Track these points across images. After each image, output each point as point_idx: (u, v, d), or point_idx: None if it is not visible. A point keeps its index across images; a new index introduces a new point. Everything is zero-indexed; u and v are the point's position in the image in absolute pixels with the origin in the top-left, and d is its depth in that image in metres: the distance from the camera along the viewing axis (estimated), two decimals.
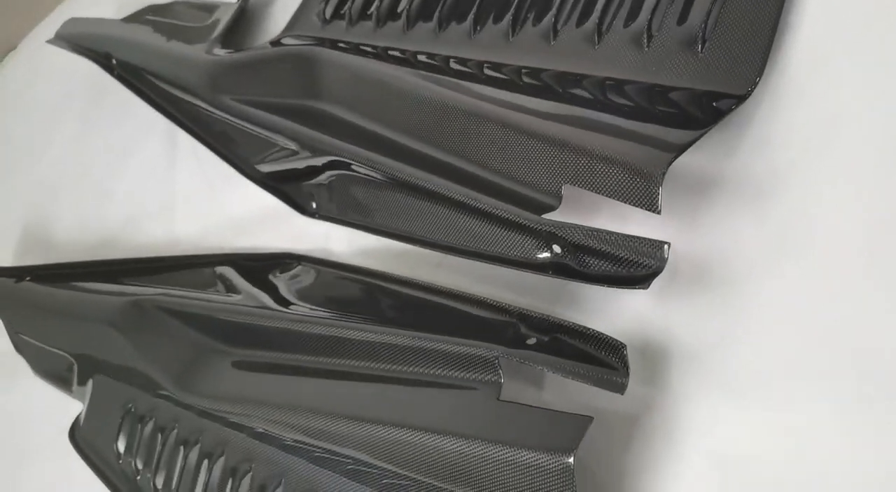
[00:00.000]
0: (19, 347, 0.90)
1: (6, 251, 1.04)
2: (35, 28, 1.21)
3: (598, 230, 0.45)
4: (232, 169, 0.79)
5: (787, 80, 0.49)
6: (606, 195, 0.45)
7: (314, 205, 0.71)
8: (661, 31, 0.50)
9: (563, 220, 0.47)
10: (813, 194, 0.46)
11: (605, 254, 0.44)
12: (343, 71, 0.66)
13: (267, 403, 0.62)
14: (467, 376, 0.48)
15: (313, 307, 0.62)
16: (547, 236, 0.48)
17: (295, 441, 0.60)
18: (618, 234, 0.44)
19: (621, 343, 0.43)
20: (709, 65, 0.47)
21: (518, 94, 0.56)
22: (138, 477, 0.72)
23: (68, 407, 0.83)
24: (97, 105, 1.02)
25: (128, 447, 0.74)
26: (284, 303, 0.66)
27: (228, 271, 0.73)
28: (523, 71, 0.57)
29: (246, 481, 0.63)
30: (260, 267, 0.72)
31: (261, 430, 0.63)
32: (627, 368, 0.42)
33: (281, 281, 0.68)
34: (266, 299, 0.66)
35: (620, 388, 0.42)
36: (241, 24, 0.85)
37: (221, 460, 0.65)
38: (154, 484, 0.70)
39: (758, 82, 0.47)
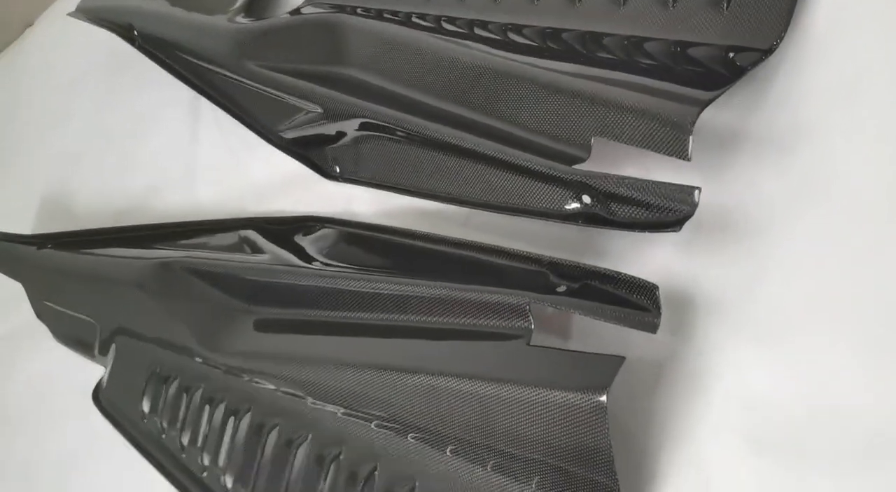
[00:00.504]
0: (41, 313, 0.91)
1: (27, 221, 1.05)
2: (52, 4, 1.22)
3: (629, 178, 0.46)
4: (254, 137, 0.80)
5: (810, 38, 0.50)
6: (637, 145, 0.46)
7: (338, 169, 0.72)
8: None
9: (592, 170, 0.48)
10: (834, 147, 0.48)
11: (636, 201, 0.46)
12: (367, 36, 0.68)
13: (296, 359, 0.63)
14: (498, 323, 0.49)
15: (341, 265, 0.63)
16: (577, 187, 0.49)
17: (323, 395, 0.61)
18: (649, 181, 0.45)
19: (653, 284, 0.44)
20: (734, 20, 0.49)
21: (544, 57, 0.57)
22: (163, 435, 0.73)
23: (89, 372, 0.85)
24: (117, 76, 1.03)
25: (153, 407, 0.76)
26: (311, 262, 0.67)
27: (252, 235, 0.74)
28: (548, 32, 0.58)
29: (273, 436, 0.64)
30: (284, 230, 0.73)
31: (288, 386, 0.64)
32: (659, 308, 0.44)
33: (306, 242, 0.70)
34: (293, 259, 0.67)
35: (653, 327, 0.44)
36: None
37: (248, 416, 0.67)
38: (180, 441, 0.71)
39: (783, 37, 0.48)
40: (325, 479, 0.59)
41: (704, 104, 0.45)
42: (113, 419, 0.78)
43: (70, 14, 1.00)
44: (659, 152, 0.45)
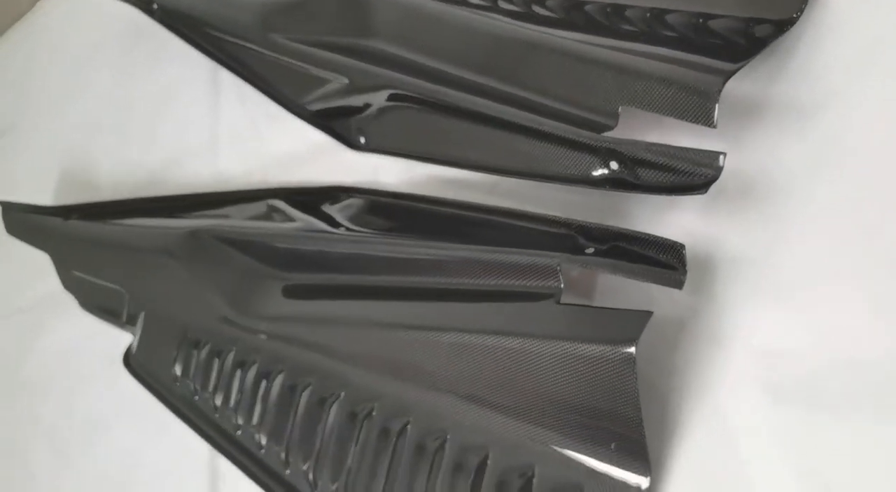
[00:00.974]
0: (68, 283, 0.94)
1: (47, 193, 1.07)
2: None
3: (656, 144, 0.49)
4: (277, 108, 0.82)
5: (829, 9, 0.53)
6: (664, 113, 0.48)
7: (363, 139, 0.74)
8: None
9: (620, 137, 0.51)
10: (853, 115, 0.50)
11: (663, 166, 0.48)
12: (394, 7, 0.69)
13: (327, 321, 0.66)
14: (529, 284, 0.52)
15: (371, 231, 0.66)
16: (605, 153, 0.51)
17: (354, 355, 0.64)
18: (675, 146, 0.48)
19: (680, 243, 0.47)
20: None
21: (567, 29, 0.59)
22: (196, 397, 0.76)
23: (115, 339, 0.87)
24: (134, 49, 1.04)
25: (184, 371, 0.78)
26: (340, 230, 0.69)
27: (280, 204, 0.76)
28: (571, 4, 0.60)
29: (305, 395, 0.67)
30: (311, 199, 0.75)
31: (319, 347, 0.67)
32: (685, 266, 0.47)
33: (334, 211, 0.72)
34: (322, 227, 0.69)
35: (679, 284, 0.46)
36: None
37: (280, 377, 0.69)
38: (213, 403, 0.74)
39: (803, 9, 0.50)
40: (359, 434, 0.62)
41: (729, 74, 0.47)
42: (145, 382, 0.81)
43: None
44: (685, 120, 0.48)
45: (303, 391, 0.67)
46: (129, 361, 0.84)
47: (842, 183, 0.50)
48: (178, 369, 0.78)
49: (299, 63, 0.75)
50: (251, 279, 0.72)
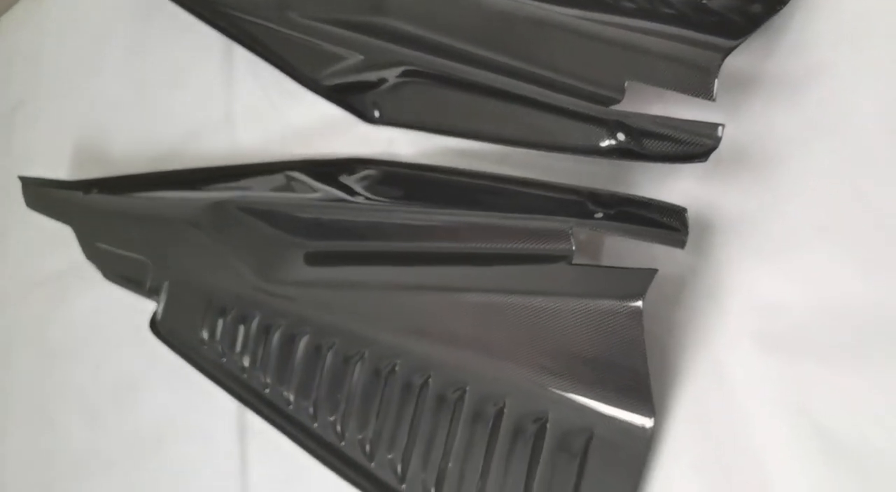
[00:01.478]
0: (91, 254, 0.97)
1: (62, 168, 1.09)
2: None
3: (660, 117, 0.53)
4: (291, 83, 0.85)
5: None
6: (667, 88, 0.53)
7: (377, 113, 0.77)
8: None
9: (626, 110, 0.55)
10: (843, 87, 0.55)
11: (667, 136, 0.52)
12: None
13: (351, 286, 0.71)
14: (543, 246, 0.57)
15: (388, 200, 0.70)
16: (613, 125, 0.56)
17: (377, 316, 0.68)
18: (677, 119, 0.52)
19: (682, 207, 0.52)
20: None
21: (573, 6, 0.63)
22: (223, 359, 0.81)
23: (140, 306, 0.91)
24: (146, 25, 1.05)
25: (211, 335, 0.82)
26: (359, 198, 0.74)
27: (299, 175, 0.80)
28: None
29: (331, 355, 0.72)
30: (329, 171, 0.79)
31: (343, 310, 0.71)
32: (687, 227, 0.51)
33: (352, 181, 0.76)
34: (342, 196, 0.73)
35: (682, 244, 0.51)
36: None
37: (306, 338, 0.74)
38: (241, 363, 0.79)
39: None
40: (383, 389, 0.67)
41: (728, 50, 0.51)
42: (172, 346, 0.85)
43: None
44: (686, 94, 0.52)
45: (328, 351, 0.72)
46: (156, 326, 0.87)
47: (831, 150, 0.55)
48: (204, 334, 0.82)
49: (314, 40, 0.78)
50: (275, 248, 0.76)
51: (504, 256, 0.59)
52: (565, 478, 0.56)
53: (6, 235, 1.12)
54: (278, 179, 0.82)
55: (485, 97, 0.65)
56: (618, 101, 0.56)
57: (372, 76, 0.75)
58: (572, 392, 0.57)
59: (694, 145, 0.51)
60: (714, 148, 0.51)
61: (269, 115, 0.89)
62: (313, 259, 0.74)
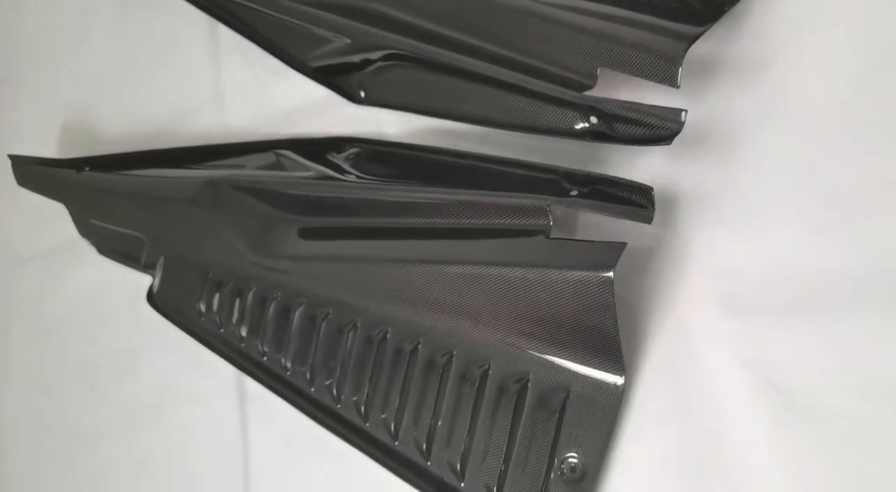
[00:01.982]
0: (86, 232, 0.98)
1: (51, 147, 1.10)
2: None
3: (629, 102, 0.58)
4: (279, 63, 0.88)
5: None
6: (636, 75, 0.57)
7: (363, 93, 0.81)
8: None
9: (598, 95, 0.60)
10: (797, 67, 0.60)
11: (635, 121, 0.57)
12: None
13: (342, 259, 0.75)
14: (522, 222, 0.62)
15: (376, 178, 0.74)
16: (586, 109, 0.60)
17: (368, 287, 0.73)
18: (645, 104, 0.57)
19: (649, 186, 0.57)
20: None
21: None
22: (221, 329, 0.84)
23: (136, 281, 0.93)
24: (130, 3, 1.06)
25: (208, 307, 0.85)
26: (347, 177, 0.78)
27: (290, 154, 0.83)
28: None
29: (325, 324, 0.76)
30: (318, 150, 0.82)
31: (336, 281, 0.75)
32: (654, 204, 0.56)
33: (340, 159, 0.79)
34: (331, 174, 0.77)
35: (649, 219, 0.56)
36: None
37: (301, 309, 0.78)
38: (239, 333, 0.83)
39: None
40: (376, 355, 0.72)
41: (692, 40, 0.56)
42: (170, 317, 0.88)
43: None
44: (653, 81, 0.57)
45: (322, 321, 0.76)
46: (153, 299, 0.90)
47: (786, 129, 0.60)
48: (202, 306, 0.85)
49: (302, 23, 0.81)
50: (269, 224, 0.80)
51: (486, 230, 0.64)
52: (545, 431, 0.62)
53: None
54: (268, 157, 0.85)
55: (466, 81, 0.69)
56: (591, 87, 0.60)
57: (358, 58, 0.78)
58: (550, 354, 0.62)
59: (659, 129, 0.56)
60: (678, 132, 0.56)
61: (257, 94, 0.91)
62: (306, 234, 0.77)
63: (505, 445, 0.63)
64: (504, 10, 0.66)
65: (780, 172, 0.60)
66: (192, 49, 0.99)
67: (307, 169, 0.81)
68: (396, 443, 0.69)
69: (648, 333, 0.61)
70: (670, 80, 0.55)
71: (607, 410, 0.59)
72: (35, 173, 1.01)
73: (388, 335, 0.71)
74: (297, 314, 0.78)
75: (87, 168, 0.97)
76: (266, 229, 0.80)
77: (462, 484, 0.65)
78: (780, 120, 0.61)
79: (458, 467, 0.65)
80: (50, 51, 1.16)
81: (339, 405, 0.74)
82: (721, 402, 0.58)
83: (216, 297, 0.84)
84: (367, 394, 0.71)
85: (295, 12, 0.81)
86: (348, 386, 0.73)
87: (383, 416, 0.70)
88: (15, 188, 1.04)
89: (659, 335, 0.61)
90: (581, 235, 0.65)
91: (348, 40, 0.78)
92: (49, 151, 1.10)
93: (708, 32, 0.59)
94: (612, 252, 0.55)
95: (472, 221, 0.65)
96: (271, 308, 0.79)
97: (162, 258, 0.91)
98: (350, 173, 0.77)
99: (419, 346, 0.69)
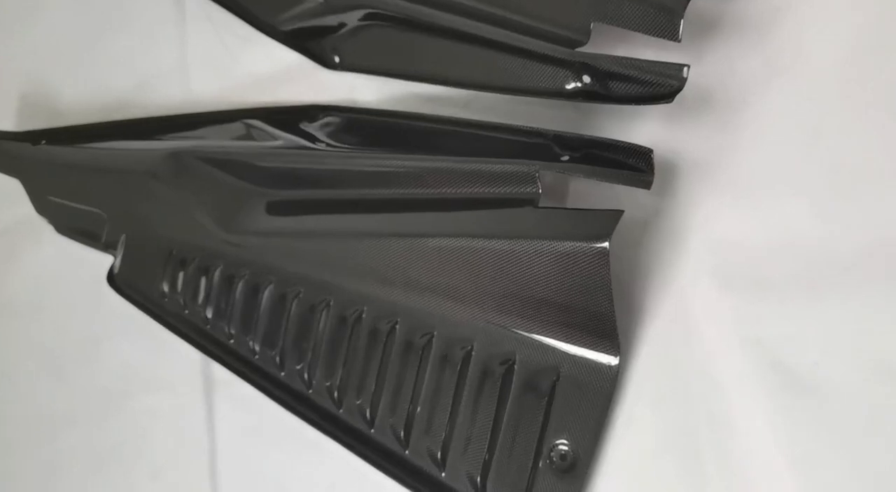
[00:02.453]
0: (43, 209, 0.93)
1: (8, 120, 1.04)
2: None
3: (625, 58, 0.53)
4: (247, 27, 0.82)
5: None
6: (633, 29, 0.53)
7: (337, 58, 0.76)
8: None
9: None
10: (802, 26, 0.56)
11: (633, 78, 0.53)
12: None
13: (315, 234, 0.70)
14: (508, 190, 0.57)
15: (351, 147, 0.69)
16: (578, 67, 0.56)
17: (342, 264, 0.68)
18: (643, 60, 0.52)
19: (648, 148, 0.52)
20: None
21: None
22: (186, 311, 0.79)
23: (99, 261, 0.88)
24: None
25: (172, 287, 0.80)
26: (321, 146, 0.72)
27: (259, 123, 0.78)
28: None
29: (296, 304, 0.71)
30: (289, 119, 0.77)
31: (307, 258, 0.71)
32: (653, 168, 0.52)
33: (313, 128, 0.74)
34: (303, 143, 0.72)
35: (648, 184, 0.52)
36: None
37: (270, 288, 0.73)
38: (204, 315, 0.78)
39: None
40: (350, 336, 0.67)
41: None
42: (132, 299, 0.83)
43: None
44: (652, 35, 0.52)
45: (293, 300, 0.71)
46: (114, 279, 0.85)
47: (790, 91, 0.56)
48: (165, 287, 0.80)
49: None
50: (236, 197, 0.75)
51: (468, 201, 0.59)
52: (533, 417, 0.57)
53: None
54: (237, 127, 0.80)
55: (449, 40, 0.64)
56: (583, 43, 0.55)
57: (331, 20, 0.73)
58: (539, 333, 0.58)
59: (660, 86, 0.52)
60: (680, 88, 0.51)
61: (224, 62, 0.86)
62: (275, 208, 0.72)
63: (489, 432, 0.59)
64: None
65: (784, 139, 0.56)
66: (155, 14, 0.93)
67: (278, 139, 0.76)
68: (372, 430, 0.65)
69: (644, 310, 0.57)
70: (671, 33, 0.50)
71: (600, 392, 0.55)
72: None
73: (364, 315, 0.67)
74: (267, 293, 0.73)
75: (44, 141, 0.92)
76: (233, 203, 0.75)
77: (443, 474, 0.61)
78: (784, 82, 0.57)
79: (439, 455, 0.61)
80: (3, 19, 1.10)
81: (310, 390, 0.69)
82: (721, 383, 0.54)
83: (180, 276, 0.80)
84: (341, 378, 0.67)
85: None
86: (320, 370, 0.68)
87: (358, 402, 0.66)
88: None
89: (655, 313, 0.57)
90: (572, 205, 0.61)
91: (321, 0, 0.72)
92: (5, 123, 1.04)
93: None
94: (607, 221, 0.51)
95: (453, 191, 0.60)
96: (239, 287, 0.75)
97: (123, 236, 0.86)
98: (323, 143, 0.71)
99: (396, 326, 0.65)
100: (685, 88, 0.53)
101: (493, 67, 0.61)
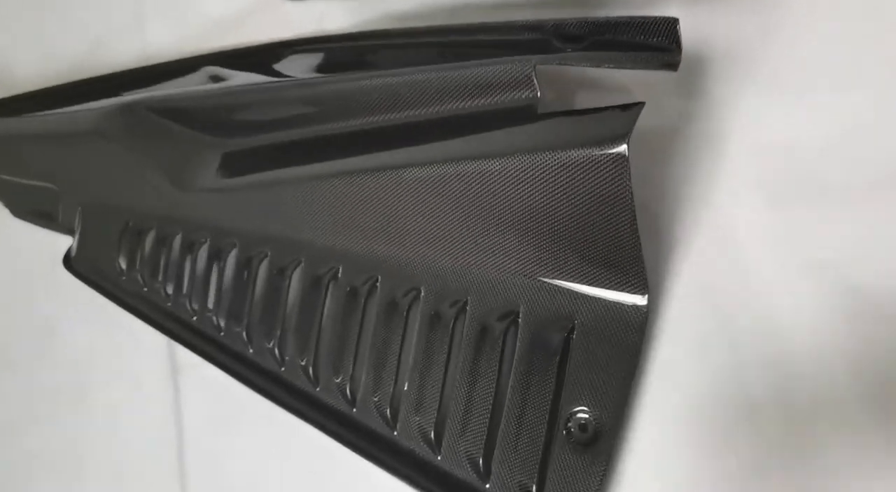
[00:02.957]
0: None
1: None
2: None
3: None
4: None
5: None
6: None
7: None
8: None
9: None
10: None
11: None
12: None
13: (279, 183, 0.60)
14: (500, 98, 0.46)
15: (320, 75, 0.58)
16: None
17: (312, 215, 0.58)
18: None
19: (672, 18, 0.41)
20: None
21: None
22: (145, 289, 0.70)
23: (55, 244, 0.80)
24: None
25: (130, 263, 0.72)
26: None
27: (219, 70, 0.69)
28: None
29: (263, 267, 0.62)
30: (254, 61, 0.67)
31: (273, 214, 0.60)
32: (680, 43, 0.40)
33: (280, 68, 0.65)
34: (265, 79, 0.62)
35: (674, 65, 0.41)
36: None
37: (234, 252, 0.64)
38: (165, 292, 0.68)
39: None
40: (325, 300, 0.57)
41: None
42: (89, 281, 0.74)
43: None
44: None
45: (259, 263, 0.62)
46: (70, 262, 0.76)
47: None
48: (122, 263, 0.72)
49: None
50: (191, 150, 0.65)
51: (452, 118, 0.49)
52: (543, 381, 0.46)
53: None
54: (196, 77, 0.71)
55: None
56: None
57: None
58: (545, 275, 0.46)
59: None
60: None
61: (182, 7, 0.78)
62: (234, 158, 0.63)
63: (491, 404, 0.48)
64: None
65: (842, 17, 0.45)
66: None
67: (239, 80, 0.65)
68: (355, 410, 0.54)
69: (676, 238, 0.46)
70: None
71: (626, 343, 0.44)
72: None
73: (340, 273, 0.56)
74: (230, 259, 0.63)
75: None
76: (188, 158, 0.65)
77: (438, 457, 0.50)
78: None
79: (433, 435, 0.50)
80: None
81: (283, 368, 0.59)
82: (779, 319, 0.42)
83: (138, 249, 0.70)
84: (317, 351, 0.57)
85: None
86: (293, 345, 0.58)
87: (338, 379, 0.55)
88: None
89: (691, 240, 0.46)
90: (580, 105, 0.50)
91: None
92: None
93: None
94: (624, 118, 0.40)
95: (433, 110, 0.50)
96: (200, 255, 0.65)
97: (79, 210, 0.76)
98: (289, 76, 0.61)
99: (377, 284, 0.54)
100: None
101: None
